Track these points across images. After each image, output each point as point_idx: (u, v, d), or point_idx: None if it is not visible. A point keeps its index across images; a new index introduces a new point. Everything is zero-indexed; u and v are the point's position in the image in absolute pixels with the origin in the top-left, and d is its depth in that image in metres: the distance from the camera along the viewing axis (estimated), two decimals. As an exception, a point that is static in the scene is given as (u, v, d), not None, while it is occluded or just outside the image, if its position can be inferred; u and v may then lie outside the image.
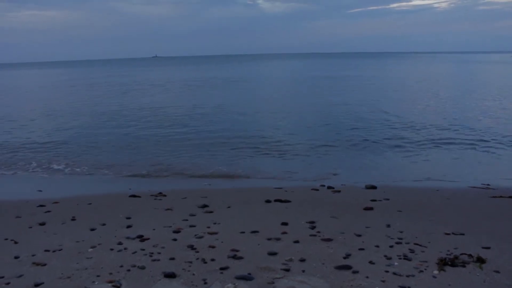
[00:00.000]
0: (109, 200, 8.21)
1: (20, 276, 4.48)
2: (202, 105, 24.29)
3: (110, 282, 4.26)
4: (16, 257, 5.01)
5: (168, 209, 7.19)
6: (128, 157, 12.85)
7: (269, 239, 5.43)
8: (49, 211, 7.34)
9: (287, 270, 4.48)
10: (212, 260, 4.77)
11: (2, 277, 4.42)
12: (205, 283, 4.23)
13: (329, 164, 11.53)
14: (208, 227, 6.00)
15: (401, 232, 5.68)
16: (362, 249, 5.06)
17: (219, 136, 15.38)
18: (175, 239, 5.49)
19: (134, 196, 8.45)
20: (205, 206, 7.30)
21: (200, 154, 12.94)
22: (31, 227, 6.34)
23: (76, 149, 14.19)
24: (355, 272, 4.42)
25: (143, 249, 5.13)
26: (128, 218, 6.67)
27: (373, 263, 4.62)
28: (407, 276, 4.30)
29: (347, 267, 4.51)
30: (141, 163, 12.06)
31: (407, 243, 5.24)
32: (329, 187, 9.04)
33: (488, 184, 9.19)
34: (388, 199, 7.72)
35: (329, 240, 5.38)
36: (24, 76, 79.99)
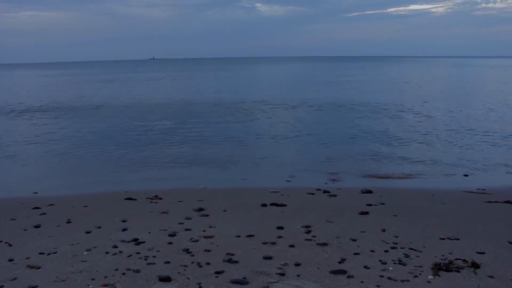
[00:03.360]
0: (105, 203, 8.18)
1: (14, 279, 4.46)
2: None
3: (105, 285, 4.25)
4: (10, 260, 4.99)
5: (163, 212, 7.18)
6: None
7: (264, 243, 5.43)
8: (44, 214, 7.31)
9: (282, 274, 4.49)
10: (208, 264, 4.77)
11: (-4, 280, 4.40)
12: (200, 287, 4.23)
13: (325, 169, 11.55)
14: (204, 231, 5.99)
15: (396, 236, 5.69)
16: (357, 253, 5.07)
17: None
18: (170, 243, 5.48)
19: (130, 199, 8.43)
20: (201, 209, 7.29)
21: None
22: (26, 230, 6.31)
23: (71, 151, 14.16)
24: (350, 276, 4.43)
25: (138, 253, 5.12)
26: (124, 221, 6.65)
27: (368, 268, 4.63)
28: (402, 281, 4.32)
29: (342, 272, 4.52)
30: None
31: (402, 247, 5.26)
32: (325, 191, 9.04)
33: (483, 189, 9.23)
34: (383, 204, 7.74)
35: (324, 244, 5.39)
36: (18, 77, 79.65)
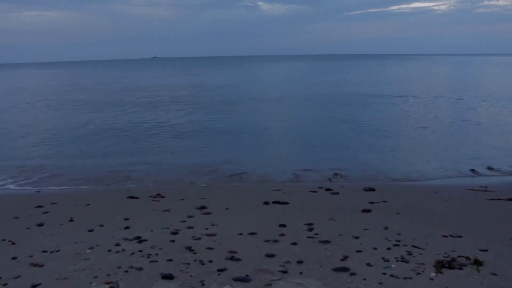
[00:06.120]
0: (107, 201, 8.21)
1: (18, 277, 4.47)
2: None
3: (108, 283, 4.26)
4: (13, 258, 5.01)
5: (166, 211, 7.19)
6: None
7: (267, 241, 5.43)
8: (47, 212, 7.34)
9: (285, 272, 4.48)
10: (210, 261, 4.77)
11: (0, 278, 4.42)
12: (203, 284, 4.23)
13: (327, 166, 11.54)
14: (206, 229, 6.00)
15: (399, 234, 5.68)
16: (360, 251, 5.06)
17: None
18: (173, 241, 5.48)
19: (132, 197, 8.44)
20: (203, 207, 7.30)
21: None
22: (29, 228, 6.33)
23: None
24: (352, 274, 4.42)
25: (141, 251, 5.13)
26: (126, 219, 6.67)
27: (371, 265, 4.62)
28: (405, 278, 4.31)
29: (344, 269, 4.52)
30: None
31: (405, 245, 5.25)
32: (327, 189, 9.04)
33: (486, 186, 9.21)
34: (386, 201, 7.73)
35: (326, 242, 5.39)
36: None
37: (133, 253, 5.05)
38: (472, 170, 11.00)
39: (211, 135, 16.21)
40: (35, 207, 7.73)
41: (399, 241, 5.40)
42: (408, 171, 11.13)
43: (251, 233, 5.73)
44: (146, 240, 5.53)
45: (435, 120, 18.49)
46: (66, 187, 10.27)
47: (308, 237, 5.58)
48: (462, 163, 11.77)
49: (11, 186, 10.53)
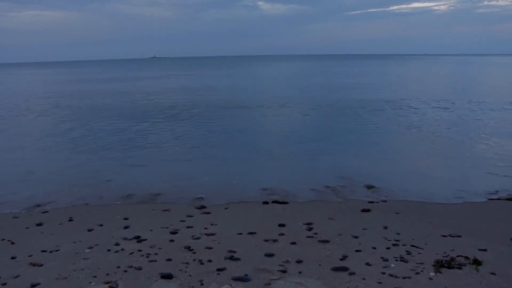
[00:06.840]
0: (106, 200, 8.19)
1: (17, 276, 4.48)
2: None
3: (107, 283, 4.26)
4: (12, 258, 5.02)
5: (165, 210, 7.19)
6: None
7: (266, 241, 5.44)
8: (46, 212, 7.33)
9: (284, 271, 4.49)
10: (209, 261, 4.77)
11: (-1, 278, 4.42)
12: (202, 284, 4.23)
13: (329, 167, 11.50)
14: (205, 228, 6.00)
15: (398, 234, 5.69)
16: (359, 250, 5.07)
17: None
18: (172, 240, 5.49)
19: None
20: (202, 207, 7.30)
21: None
22: (28, 228, 6.33)
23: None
24: (351, 273, 4.42)
25: (140, 250, 5.14)
26: (126, 219, 6.67)
27: (370, 265, 4.63)
28: (404, 277, 4.31)
29: (344, 269, 4.52)
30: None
31: (404, 245, 5.25)
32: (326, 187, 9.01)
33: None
34: (385, 201, 7.73)
35: (326, 241, 5.39)
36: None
37: (132, 253, 5.06)
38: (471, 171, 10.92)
39: (209, 140, 16.10)
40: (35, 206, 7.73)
41: (398, 240, 5.41)
42: (414, 190, 10.78)
43: (251, 233, 5.74)
44: (145, 239, 5.54)
45: (438, 125, 18.41)
46: (66, 187, 10.23)
47: (308, 237, 5.59)
48: (471, 182, 11.39)
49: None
